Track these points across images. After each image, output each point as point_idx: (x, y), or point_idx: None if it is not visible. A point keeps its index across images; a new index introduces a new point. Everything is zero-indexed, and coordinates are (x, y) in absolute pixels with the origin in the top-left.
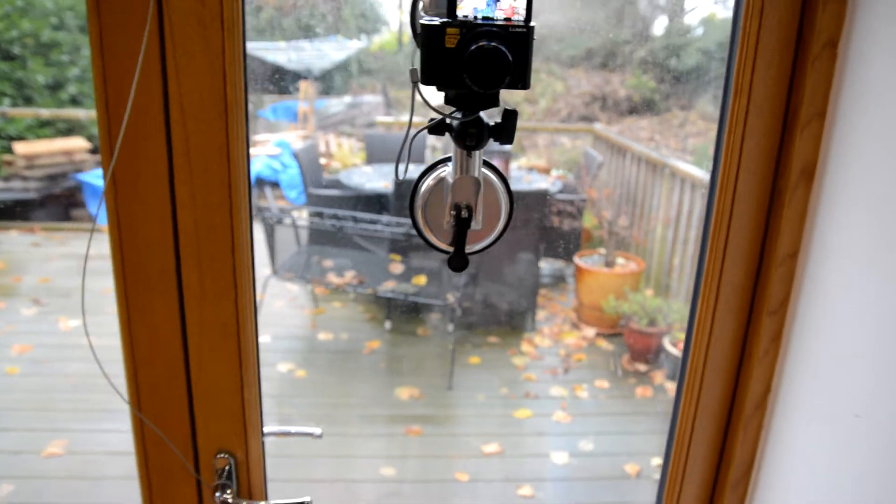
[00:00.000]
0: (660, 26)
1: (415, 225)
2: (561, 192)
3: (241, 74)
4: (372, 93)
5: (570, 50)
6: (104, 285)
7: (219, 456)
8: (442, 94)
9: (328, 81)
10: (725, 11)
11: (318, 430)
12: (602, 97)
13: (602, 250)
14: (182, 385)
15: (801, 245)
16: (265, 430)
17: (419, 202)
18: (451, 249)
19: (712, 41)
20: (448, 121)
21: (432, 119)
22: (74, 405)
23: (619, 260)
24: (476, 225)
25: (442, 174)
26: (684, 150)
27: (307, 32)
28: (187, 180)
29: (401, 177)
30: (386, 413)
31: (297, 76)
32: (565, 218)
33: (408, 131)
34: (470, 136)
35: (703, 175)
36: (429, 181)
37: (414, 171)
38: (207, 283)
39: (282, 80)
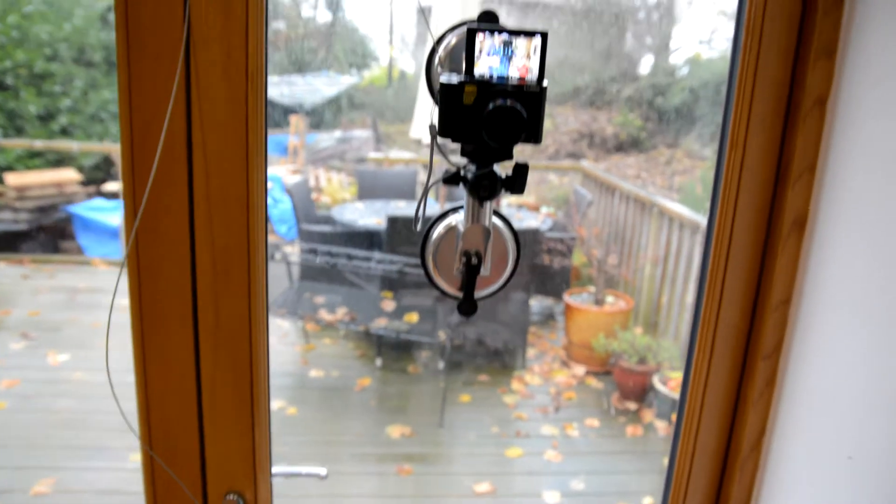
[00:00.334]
0: (646, 65)
1: (425, 270)
2: (551, 230)
3: (262, 124)
4: (362, 127)
5: (557, 87)
6: (94, 318)
7: (228, 497)
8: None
9: (319, 116)
10: (710, 52)
11: (323, 471)
12: (589, 134)
13: (591, 288)
14: (194, 424)
15: (793, 292)
16: (273, 470)
17: (430, 248)
18: (459, 295)
19: (697, 80)
20: (462, 172)
21: (447, 171)
22: (63, 442)
23: (609, 298)
24: (485, 271)
25: (452, 222)
26: (671, 187)
27: (299, 67)
28: (207, 224)
29: (419, 227)
30: (377, 451)
31: (288, 110)
32: (555, 256)
33: (427, 182)
34: (483, 188)
35: (690, 214)
36: (440, 228)
37: (405, 207)
38: (223, 325)
39: (273, 113)
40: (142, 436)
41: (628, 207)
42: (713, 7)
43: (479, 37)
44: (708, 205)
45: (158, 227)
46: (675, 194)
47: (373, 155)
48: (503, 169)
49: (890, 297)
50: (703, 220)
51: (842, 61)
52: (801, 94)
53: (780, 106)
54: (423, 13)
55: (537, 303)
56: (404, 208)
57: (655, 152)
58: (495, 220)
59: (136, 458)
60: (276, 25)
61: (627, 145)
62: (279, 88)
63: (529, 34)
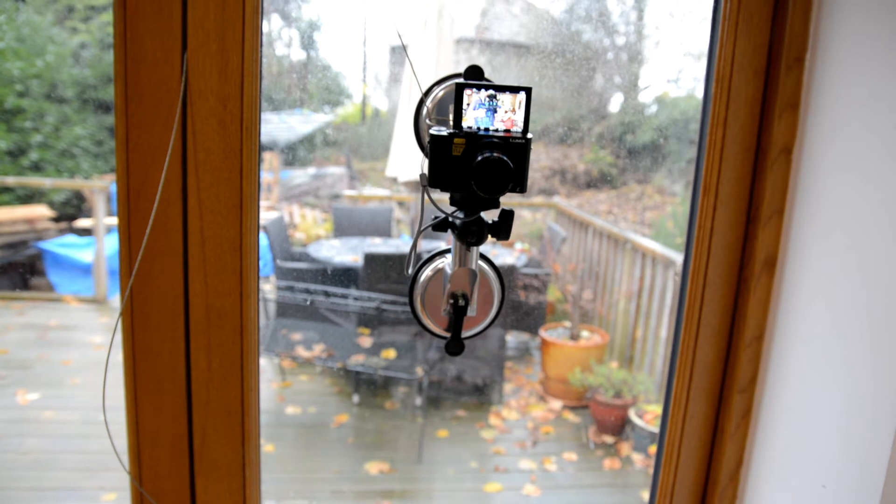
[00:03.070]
0: (616, 103)
1: (413, 312)
2: (526, 266)
3: (256, 172)
4: (336, 164)
5: (530, 124)
6: (65, 356)
7: None
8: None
9: (292, 153)
10: (678, 90)
11: None
12: (561, 171)
13: (567, 323)
14: (185, 463)
15: (766, 328)
16: None
17: (418, 290)
18: (447, 335)
19: (665, 118)
20: (451, 219)
21: (436, 217)
22: (33, 483)
23: (584, 333)
24: (471, 312)
25: (440, 265)
26: (642, 222)
27: (274, 105)
28: (201, 268)
29: (409, 271)
30: (356, 488)
31: (262, 147)
32: (530, 292)
33: (419, 228)
34: (471, 234)
35: (663, 250)
36: (427, 271)
37: (381, 244)
38: (215, 366)
39: (260, 152)
40: (132, 472)
41: (602, 243)
42: (680, 48)
43: (468, 91)
44: (679, 240)
45: (152, 270)
46: (646, 229)
47: (347, 192)
48: (488, 215)
49: (858, 332)
50: (675, 255)
51: (805, 113)
52: (768, 143)
53: (749, 154)
54: (409, 58)
55: (513, 338)
56: (380, 245)
57: (626, 188)
58: (481, 262)
59: (108, 498)
60: None
61: (599, 181)
62: None
63: (515, 90)
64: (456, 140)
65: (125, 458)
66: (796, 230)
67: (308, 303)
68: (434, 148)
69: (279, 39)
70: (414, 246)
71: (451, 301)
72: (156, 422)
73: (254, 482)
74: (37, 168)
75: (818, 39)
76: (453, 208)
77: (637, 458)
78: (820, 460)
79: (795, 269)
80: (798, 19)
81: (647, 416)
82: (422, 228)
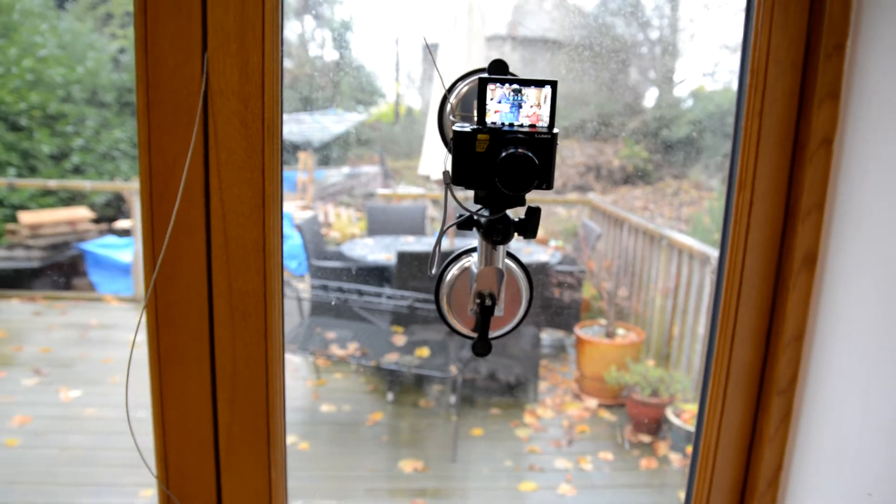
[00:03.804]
0: (650, 98)
1: (439, 311)
2: (560, 263)
3: (279, 171)
4: (370, 163)
5: (563, 121)
6: (105, 355)
7: None
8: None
9: (326, 152)
10: (714, 84)
11: None
12: (596, 167)
13: (602, 321)
14: (211, 464)
15: (806, 328)
16: None
17: (444, 289)
18: (474, 335)
19: (702, 112)
20: (475, 217)
21: (461, 215)
22: (75, 478)
23: (620, 330)
24: (498, 312)
25: (466, 264)
26: (678, 218)
27: (307, 105)
28: (224, 269)
29: (433, 271)
30: (390, 486)
31: (296, 147)
32: (565, 289)
33: (442, 228)
34: (497, 232)
35: (700, 246)
36: (454, 270)
37: (414, 242)
38: (240, 367)
39: (282, 151)
40: (159, 475)
41: (637, 240)
42: (716, 40)
43: (491, 86)
44: (716, 236)
45: (176, 271)
46: (683, 225)
47: (381, 190)
48: (515, 212)
49: None
50: (712, 252)
51: (846, 102)
52: (807, 134)
53: (787, 146)
54: (432, 54)
55: (548, 336)
56: (413, 244)
57: (662, 184)
58: (508, 261)
59: (146, 494)
60: (285, 64)
61: (634, 177)
62: (288, 126)
63: (540, 84)
64: (479, 136)
65: (152, 458)
66: (837, 225)
67: (334, 303)
68: (457, 144)
69: (312, 40)
70: (437, 245)
71: (478, 301)
72: (182, 423)
73: (280, 483)
74: (78, 171)
75: (860, 25)
76: (478, 206)
77: (674, 457)
78: (864, 467)
79: (837, 265)
80: (838, 4)
81: (685, 415)
82: (445, 227)
